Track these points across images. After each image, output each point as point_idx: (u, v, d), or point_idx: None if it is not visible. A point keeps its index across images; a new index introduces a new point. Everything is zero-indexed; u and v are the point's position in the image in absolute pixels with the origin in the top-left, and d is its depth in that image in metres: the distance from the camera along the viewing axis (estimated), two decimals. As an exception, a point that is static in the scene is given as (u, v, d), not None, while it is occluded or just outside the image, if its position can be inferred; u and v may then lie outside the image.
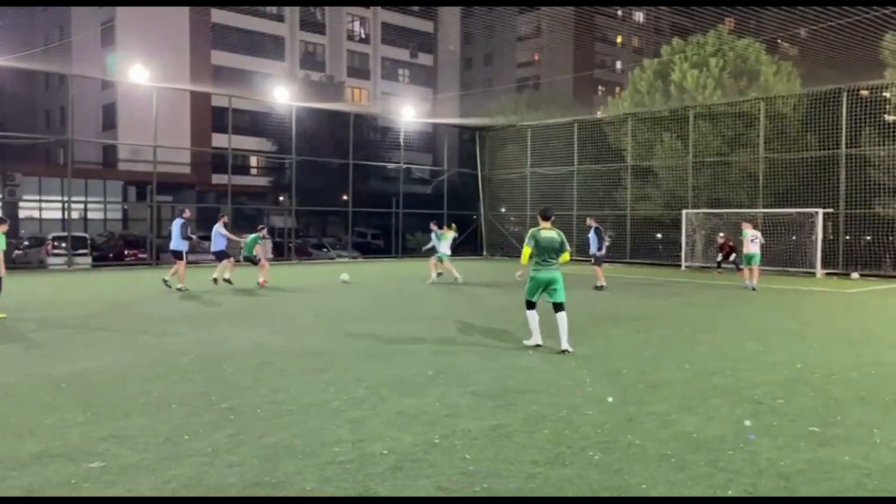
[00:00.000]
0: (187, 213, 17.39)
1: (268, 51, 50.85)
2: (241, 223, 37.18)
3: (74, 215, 34.00)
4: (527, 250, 9.08)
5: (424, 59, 61.65)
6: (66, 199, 28.82)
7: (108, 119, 45.54)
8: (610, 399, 6.59)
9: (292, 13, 53.01)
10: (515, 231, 35.28)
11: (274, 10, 52.76)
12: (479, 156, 36.10)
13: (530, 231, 9.15)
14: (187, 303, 14.38)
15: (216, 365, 8.00)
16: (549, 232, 9.06)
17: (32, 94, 50.68)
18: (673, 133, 29.74)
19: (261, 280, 18.06)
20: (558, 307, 9.09)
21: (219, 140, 43.26)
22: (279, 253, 33.52)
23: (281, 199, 47.96)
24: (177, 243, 16.57)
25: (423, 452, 4.98)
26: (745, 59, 32.84)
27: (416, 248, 36.22)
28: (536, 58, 68.68)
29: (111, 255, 30.77)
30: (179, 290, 16.27)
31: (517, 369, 7.95)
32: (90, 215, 39.39)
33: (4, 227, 12.12)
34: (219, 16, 48.53)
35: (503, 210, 36.07)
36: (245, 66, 47.71)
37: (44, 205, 36.76)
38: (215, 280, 17.66)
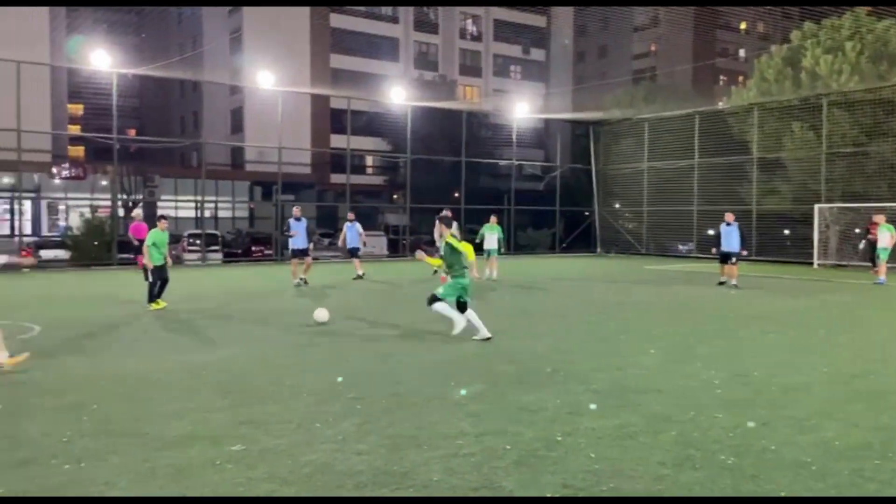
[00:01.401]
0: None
1: (383, 52, 52.08)
2: (358, 221, 38.36)
3: (206, 214, 36.21)
4: (468, 246, 9.52)
5: (537, 54, 61.17)
6: (199, 198, 30.79)
7: (236, 122, 48.17)
8: (740, 402, 6.31)
9: (406, 14, 54.04)
10: (630, 228, 34.39)
11: (389, 12, 53.96)
12: (593, 151, 35.42)
13: (453, 237, 9.48)
14: (312, 296, 14.98)
15: (341, 357, 8.30)
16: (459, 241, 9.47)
17: (169, 101, 54.43)
18: (804, 123, 27.97)
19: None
20: (466, 307, 9.44)
21: (336, 141, 44.80)
22: (394, 249, 34.30)
23: (395, 196, 49.05)
24: (305, 241, 17.26)
25: (545, 449, 4.96)
26: (886, 43, 30.38)
27: (527, 245, 36.07)
28: (653, 48, 66.60)
29: (240, 252, 32.53)
30: (298, 284, 16.96)
31: (638, 368, 7.76)
32: (220, 214, 41.81)
33: (164, 224, 13.01)
34: (337, 20, 50.20)
35: (617, 206, 35.24)
36: (361, 69, 49.10)
37: (179, 204, 39.37)
38: (360, 276, 18.46)
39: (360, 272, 18.71)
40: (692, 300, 15.02)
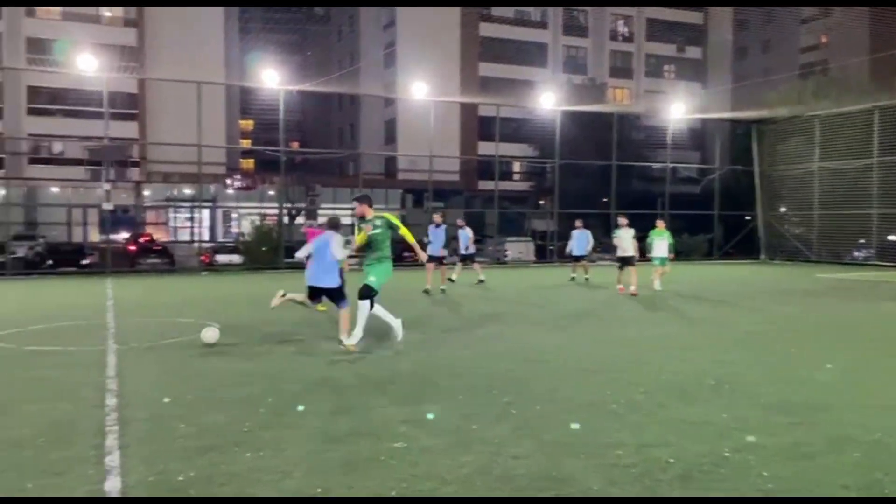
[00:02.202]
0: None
1: (531, 58, 52.09)
2: (505, 227, 38.60)
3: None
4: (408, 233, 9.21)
5: (692, 52, 58.62)
6: (355, 206, 32.25)
7: (390, 133, 50.06)
8: (936, 425, 5.68)
9: (555, 19, 53.74)
10: (798, 233, 31.98)
11: (538, 17, 53.91)
12: (756, 151, 33.31)
13: (395, 217, 9.08)
14: (448, 302, 15.23)
15: (494, 360, 8.37)
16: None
17: (328, 114, 57.58)
18: None
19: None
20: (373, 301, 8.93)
21: (484, 148, 45.31)
22: (541, 256, 34.13)
23: (541, 202, 48.79)
24: (439, 248, 16.95)
25: (712, 464, 4.73)
26: None
27: (681, 251, 34.50)
28: (824, 40, 61.57)
29: (393, 257, 33.72)
30: (427, 291, 16.56)
31: (812, 384, 7.21)
32: (374, 220, 43.54)
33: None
34: (486, 29, 50.87)
35: (783, 210, 32.91)
36: (509, 75, 49.36)
37: (337, 212, 41.45)
38: (481, 281, 18.48)
39: (453, 276, 18.29)
40: (873, 311, 13.72)
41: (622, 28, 57.08)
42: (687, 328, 11.34)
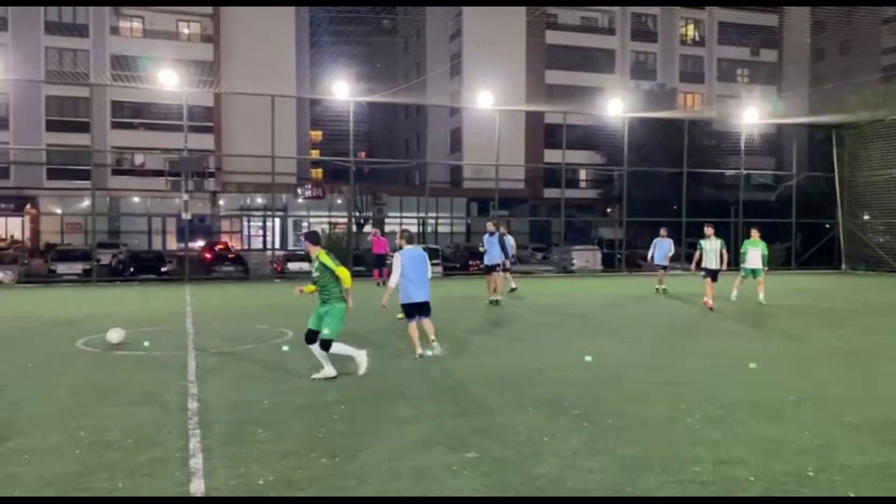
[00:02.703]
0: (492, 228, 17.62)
1: (598, 65, 51.49)
2: (571, 235, 38.19)
3: (428, 229, 38.18)
4: (345, 271, 7.88)
5: (767, 55, 56.79)
6: (421, 215, 32.57)
7: (455, 142, 50.29)
8: None
9: (623, 24, 53.02)
10: (883, 241, 30.50)
11: (605, 23, 53.32)
12: (837, 157, 31.98)
13: (327, 256, 7.83)
14: (511, 311, 15.14)
15: (564, 371, 8.29)
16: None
17: (395, 124, 58.32)
18: None
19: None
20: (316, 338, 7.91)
21: (550, 155, 45.00)
22: (608, 264, 33.60)
23: (609, 210, 48.07)
24: (494, 257, 16.23)
25: (795, 484, 4.57)
26: None
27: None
28: (908, 39, 58.68)
29: (458, 266, 33.82)
30: (492, 302, 15.94)
31: (903, 402, 6.87)
32: (440, 229, 43.84)
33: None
34: (553, 37, 50.58)
35: (867, 217, 31.45)
36: (576, 82, 48.89)
37: (404, 220, 41.88)
38: (513, 289, 18.02)
39: (514, 285, 17.74)
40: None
41: (693, 32, 55.82)
42: (766, 341, 10.97)
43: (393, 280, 9.26)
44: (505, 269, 16.64)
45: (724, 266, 15.17)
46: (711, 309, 14.34)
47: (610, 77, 50.61)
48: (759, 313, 14.52)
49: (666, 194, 37.71)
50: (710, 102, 52.61)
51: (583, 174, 50.50)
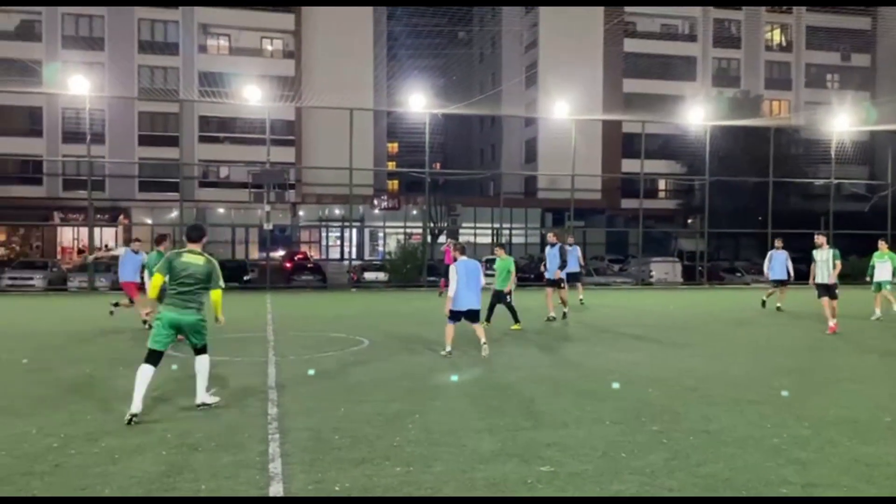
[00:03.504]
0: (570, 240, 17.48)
1: (678, 72, 50.29)
2: (650, 247, 37.30)
3: (502, 240, 38.10)
4: (157, 279, 6.92)
5: (859, 59, 54.15)
6: (496, 226, 32.52)
7: (530, 152, 50.07)
8: None
9: (705, 30, 51.64)
10: None
11: (686, 30, 52.10)
12: (937, 165, 30.19)
13: (166, 254, 7.11)
14: (588, 321, 14.86)
15: (642, 385, 8.08)
16: (193, 257, 6.90)
17: (470, 135, 58.56)
18: None
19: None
20: (199, 350, 7.00)
21: (627, 165, 44.18)
22: (689, 277, 32.66)
23: (690, 221, 46.74)
24: (553, 270, 15.62)
25: (893, 511, 4.30)
26: None
27: (849, 274, 31.74)
28: None
29: (532, 277, 33.56)
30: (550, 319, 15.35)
31: None
32: (513, 240, 43.68)
33: (501, 252, 13.71)
34: (631, 45, 49.77)
35: (972, 229, 29.50)
36: (655, 91, 47.92)
37: (478, 231, 41.93)
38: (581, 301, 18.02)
39: (581, 297, 17.83)
40: None
41: (779, 37, 53.84)
42: (860, 358, 10.41)
43: (452, 289, 9.94)
44: (562, 282, 15.66)
45: (831, 280, 13.34)
46: (834, 332, 12.68)
47: (691, 84, 49.36)
48: (851, 328, 13.70)
49: (750, 205, 36.40)
50: (798, 109, 50.56)
51: (662, 184, 49.38)
